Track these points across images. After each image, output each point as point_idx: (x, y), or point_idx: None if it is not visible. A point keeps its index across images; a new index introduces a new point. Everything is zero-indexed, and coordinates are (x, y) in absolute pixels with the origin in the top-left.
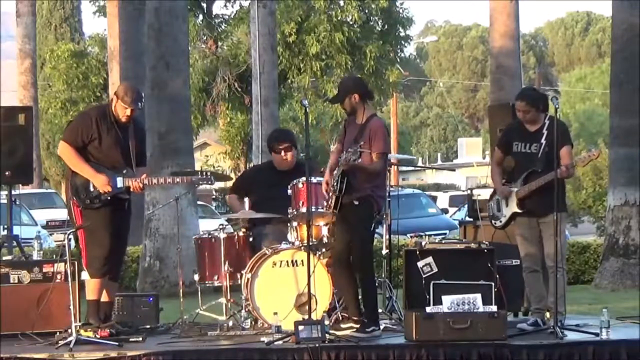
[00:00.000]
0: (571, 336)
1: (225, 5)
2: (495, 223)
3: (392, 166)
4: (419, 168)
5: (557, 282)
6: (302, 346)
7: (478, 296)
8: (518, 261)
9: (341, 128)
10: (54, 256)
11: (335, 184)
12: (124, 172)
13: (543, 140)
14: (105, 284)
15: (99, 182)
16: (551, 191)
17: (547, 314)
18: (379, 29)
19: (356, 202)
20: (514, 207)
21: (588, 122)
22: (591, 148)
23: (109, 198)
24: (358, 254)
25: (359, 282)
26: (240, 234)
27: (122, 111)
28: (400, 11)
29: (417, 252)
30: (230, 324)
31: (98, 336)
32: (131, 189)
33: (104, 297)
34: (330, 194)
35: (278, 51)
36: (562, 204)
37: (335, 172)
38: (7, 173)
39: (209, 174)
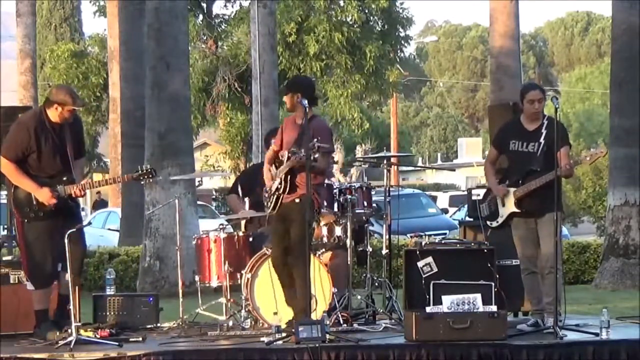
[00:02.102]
0: (571, 336)
1: (225, 5)
2: (491, 224)
3: (392, 166)
4: (419, 168)
5: (557, 283)
6: (302, 346)
7: (478, 296)
8: (518, 261)
9: (279, 131)
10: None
11: (280, 184)
12: (64, 179)
13: (542, 140)
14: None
15: (43, 196)
16: (549, 191)
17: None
18: (379, 29)
19: (297, 200)
20: (511, 207)
21: (588, 122)
22: (591, 148)
23: (52, 209)
24: (297, 252)
25: (297, 279)
26: (240, 234)
27: (68, 114)
28: (400, 11)
29: (417, 252)
30: (230, 324)
31: (98, 336)
32: (73, 196)
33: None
34: (270, 194)
35: (278, 51)
36: (560, 204)
37: (277, 172)
38: None
39: (150, 169)
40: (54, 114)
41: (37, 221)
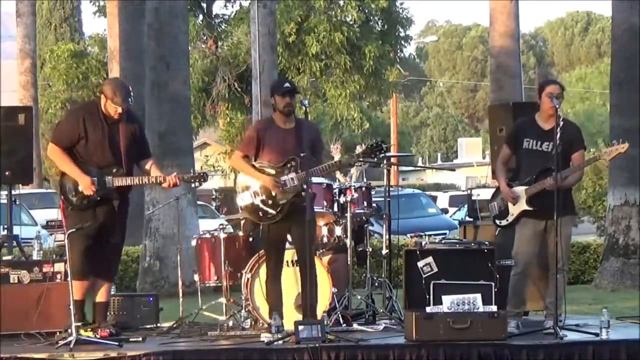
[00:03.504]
0: (571, 336)
1: (225, 5)
2: (500, 222)
3: (392, 166)
4: (419, 168)
5: (557, 284)
6: (302, 346)
7: (478, 296)
8: None
9: (252, 134)
10: (54, 256)
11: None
12: (114, 171)
13: (557, 140)
14: (96, 284)
15: (83, 184)
16: (562, 192)
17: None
18: (379, 29)
19: (304, 203)
20: (523, 205)
21: (588, 122)
22: (591, 148)
23: (98, 199)
24: (309, 252)
25: (311, 279)
26: (240, 234)
27: (112, 110)
28: (400, 11)
29: (417, 252)
30: (230, 324)
31: (98, 336)
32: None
33: (102, 297)
34: (284, 201)
35: (278, 51)
36: (571, 207)
37: (293, 178)
38: (7, 173)
39: (202, 173)
40: (104, 105)
41: (78, 211)
